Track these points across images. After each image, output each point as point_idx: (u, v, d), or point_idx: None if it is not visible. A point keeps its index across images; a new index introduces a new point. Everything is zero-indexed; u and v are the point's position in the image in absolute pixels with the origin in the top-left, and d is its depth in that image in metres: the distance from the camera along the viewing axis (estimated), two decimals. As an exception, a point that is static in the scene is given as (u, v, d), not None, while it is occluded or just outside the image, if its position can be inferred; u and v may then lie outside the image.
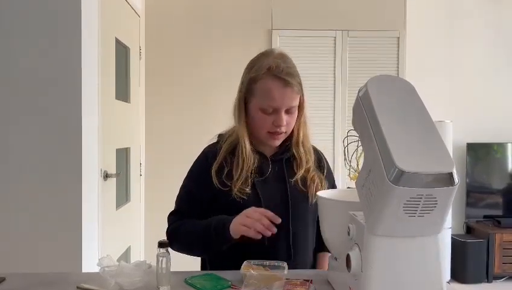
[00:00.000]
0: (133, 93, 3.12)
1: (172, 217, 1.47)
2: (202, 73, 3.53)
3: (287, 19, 3.54)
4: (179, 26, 3.53)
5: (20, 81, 2.02)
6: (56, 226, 2.04)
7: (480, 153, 4.13)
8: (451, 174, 0.88)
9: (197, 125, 3.53)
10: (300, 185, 1.41)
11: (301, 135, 1.44)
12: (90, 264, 2.11)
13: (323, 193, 1.29)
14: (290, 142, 1.44)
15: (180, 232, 1.40)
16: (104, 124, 2.39)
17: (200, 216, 1.40)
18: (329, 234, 1.25)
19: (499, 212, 4.14)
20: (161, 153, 3.52)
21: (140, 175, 3.41)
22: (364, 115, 1.00)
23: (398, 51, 3.58)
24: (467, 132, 4.15)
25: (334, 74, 3.55)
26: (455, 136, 4.00)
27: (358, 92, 1.06)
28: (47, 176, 2.04)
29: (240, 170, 1.37)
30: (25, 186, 2.03)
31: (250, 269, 1.23)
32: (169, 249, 1.19)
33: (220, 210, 1.37)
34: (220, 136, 1.50)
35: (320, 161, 1.52)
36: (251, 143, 1.40)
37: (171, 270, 1.19)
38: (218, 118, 3.52)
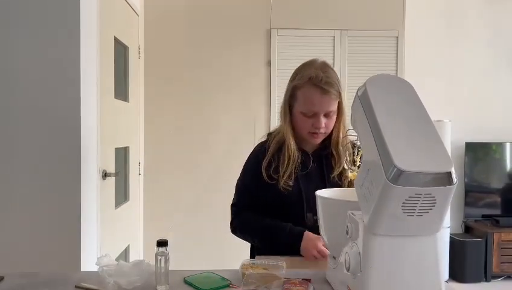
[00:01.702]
0: (132, 92, 3.12)
1: (235, 209, 1.67)
2: (201, 72, 3.53)
3: (286, 18, 3.53)
4: (178, 25, 3.53)
5: (19, 80, 2.02)
6: (55, 225, 2.04)
7: (478, 153, 4.14)
8: (449, 174, 0.89)
9: (196, 124, 3.53)
10: (337, 180, 1.58)
11: (340, 135, 1.60)
12: (89, 263, 2.11)
13: (323, 192, 1.29)
14: (329, 141, 1.61)
15: (246, 228, 1.63)
16: (103, 123, 2.39)
17: (255, 206, 1.62)
18: (328, 233, 1.25)
19: (498, 211, 4.14)
20: (160, 153, 3.52)
21: (139, 174, 3.41)
22: (363, 115, 1.01)
23: (397, 50, 3.57)
24: (465, 132, 4.15)
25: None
26: (454, 135, 4.00)
27: (357, 91, 1.06)
28: (46, 175, 2.03)
29: (285, 165, 1.56)
30: (24, 185, 2.03)
31: (249, 268, 1.24)
32: (168, 248, 1.19)
33: (268, 200, 1.59)
34: (269, 135, 1.69)
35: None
36: (295, 141, 1.59)
37: (170, 269, 1.19)
38: (217, 117, 3.54)
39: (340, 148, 1.59)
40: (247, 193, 1.65)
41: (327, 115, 1.55)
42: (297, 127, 1.60)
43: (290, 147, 1.57)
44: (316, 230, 1.53)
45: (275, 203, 1.59)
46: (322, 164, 1.60)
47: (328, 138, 1.61)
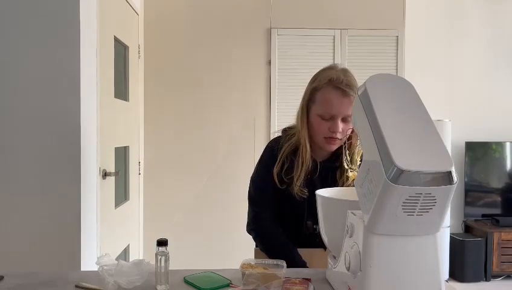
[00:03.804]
0: (132, 91, 3.12)
1: (255, 211, 1.62)
2: (201, 72, 3.53)
3: (286, 17, 3.53)
4: (178, 24, 3.53)
5: (19, 80, 2.02)
6: (55, 225, 2.04)
7: (478, 152, 4.14)
8: (450, 173, 0.89)
9: (196, 123, 3.53)
10: None
11: (352, 145, 1.55)
12: (88, 262, 2.11)
13: (323, 192, 1.29)
14: (340, 150, 1.56)
15: (265, 242, 1.59)
16: (103, 123, 2.39)
17: (273, 204, 1.60)
18: (328, 232, 1.25)
19: (497, 211, 4.14)
20: (160, 152, 3.52)
21: (139, 174, 3.41)
22: (363, 114, 1.00)
23: (397, 49, 3.58)
24: (465, 131, 4.16)
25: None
26: (454, 135, 4.00)
27: (357, 90, 1.06)
28: (46, 175, 2.03)
29: (299, 171, 1.53)
30: (24, 185, 2.03)
31: (249, 267, 1.23)
32: (168, 248, 1.19)
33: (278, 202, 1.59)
34: (284, 131, 1.64)
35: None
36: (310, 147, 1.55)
37: (170, 268, 1.19)
38: (217, 116, 3.54)
39: (349, 158, 1.53)
40: (266, 192, 1.60)
41: (345, 120, 1.50)
42: (313, 132, 1.55)
43: (305, 152, 1.53)
44: (313, 239, 1.54)
45: (284, 206, 1.59)
46: (328, 174, 1.57)
47: (339, 148, 1.56)
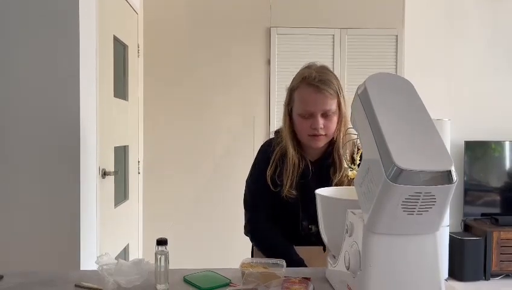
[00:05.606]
0: (131, 91, 3.12)
1: (249, 215, 1.64)
2: (201, 71, 3.52)
3: (285, 16, 3.53)
4: (177, 23, 3.53)
5: (19, 79, 2.02)
6: (54, 224, 2.04)
7: (478, 151, 4.14)
8: (449, 172, 0.89)
9: (195, 123, 3.53)
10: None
11: (341, 140, 1.55)
12: (88, 262, 2.11)
13: (323, 191, 1.29)
14: (331, 148, 1.57)
15: (262, 243, 1.62)
16: (103, 122, 2.39)
17: (268, 207, 1.60)
18: (328, 232, 1.25)
19: (497, 210, 4.15)
20: (159, 151, 3.52)
21: (139, 173, 3.41)
22: (363, 113, 1.00)
23: (397, 49, 3.57)
24: (465, 130, 4.16)
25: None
26: (453, 134, 4.01)
27: (357, 90, 1.06)
28: (45, 174, 2.03)
29: (288, 174, 1.53)
30: (23, 184, 2.03)
31: (249, 267, 1.24)
32: (168, 247, 1.19)
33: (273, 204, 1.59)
34: (276, 132, 1.65)
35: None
36: (297, 148, 1.56)
37: (169, 268, 1.19)
38: (217, 116, 3.54)
39: (342, 154, 1.54)
40: (260, 194, 1.61)
41: (325, 116, 1.50)
42: (297, 132, 1.56)
43: (290, 154, 1.54)
44: (309, 238, 1.55)
45: (278, 208, 1.59)
46: (322, 174, 1.56)
47: (331, 145, 1.57)
